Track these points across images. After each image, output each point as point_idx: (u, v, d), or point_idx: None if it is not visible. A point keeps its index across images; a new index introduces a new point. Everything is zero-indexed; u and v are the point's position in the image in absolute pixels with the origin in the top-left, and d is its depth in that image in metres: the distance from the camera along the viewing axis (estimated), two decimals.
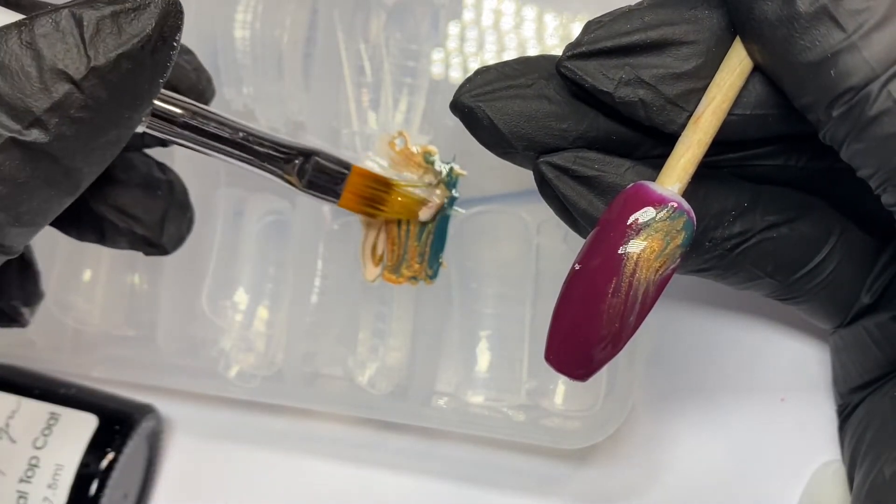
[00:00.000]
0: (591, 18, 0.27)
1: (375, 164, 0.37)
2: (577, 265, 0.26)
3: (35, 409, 0.38)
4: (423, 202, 0.35)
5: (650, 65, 0.26)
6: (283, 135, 0.32)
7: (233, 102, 0.39)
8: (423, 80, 0.38)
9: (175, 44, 0.24)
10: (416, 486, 0.39)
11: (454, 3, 0.37)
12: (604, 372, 0.37)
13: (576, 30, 0.37)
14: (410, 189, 0.35)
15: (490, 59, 0.37)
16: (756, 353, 0.38)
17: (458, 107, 0.28)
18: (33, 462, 0.36)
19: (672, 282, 0.26)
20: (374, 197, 0.34)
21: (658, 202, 0.25)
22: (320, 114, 0.38)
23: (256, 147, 0.30)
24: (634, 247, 0.25)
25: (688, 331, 0.38)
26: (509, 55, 0.37)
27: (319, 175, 0.32)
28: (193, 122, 0.29)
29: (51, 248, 0.40)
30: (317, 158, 0.32)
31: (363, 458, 0.40)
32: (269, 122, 0.39)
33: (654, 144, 0.28)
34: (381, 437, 0.40)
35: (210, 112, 0.29)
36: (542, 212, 0.33)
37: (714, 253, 0.29)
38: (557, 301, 0.27)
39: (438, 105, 0.37)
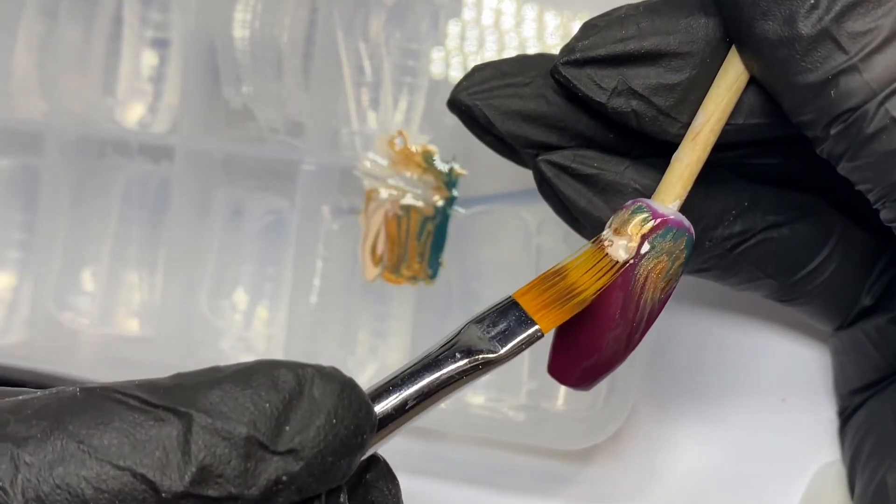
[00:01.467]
0: (590, 18, 0.27)
1: (375, 163, 0.37)
2: None
3: None
4: (602, 256, 0.26)
5: (643, 75, 0.26)
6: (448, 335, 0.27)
7: (232, 102, 0.39)
8: (423, 80, 0.38)
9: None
10: (416, 486, 0.39)
11: (454, 2, 0.37)
12: None
13: (576, 29, 0.36)
14: (576, 258, 0.27)
15: (490, 58, 0.37)
16: (757, 353, 0.38)
17: (455, 105, 0.27)
18: None
19: (664, 306, 0.26)
20: (560, 293, 0.26)
21: (662, 223, 0.25)
22: (320, 113, 0.38)
23: (448, 368, 0.25)
24: (641, 270, 0.25)
25: (689, 331, 0.38)
26: (509, 54, 0.37)
27: (499, 331, 0.26)
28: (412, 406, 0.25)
29: (50, 248, 0.40)
30: (475, 324, 0.26)
31: None
32: (269, 122, 0.39)
33: (651, 145, 0.27)
34: None
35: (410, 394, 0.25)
36: (542, 212, 0.33)
37: (714, 252, 0.29)
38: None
39: (438, 104, 0.37)
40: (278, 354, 0.39)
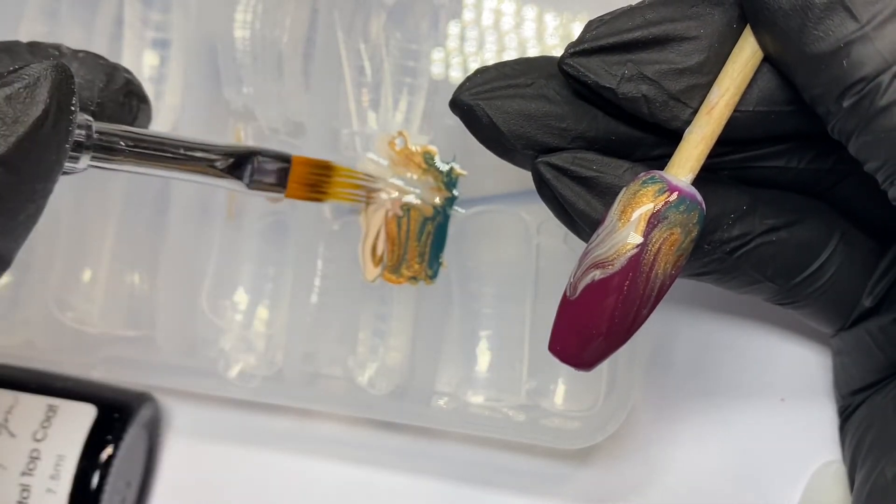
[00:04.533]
0: (591, 18, 0.27)
1: (375, 164, 0.37)
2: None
3: (33, 403, 0.38)
4: (366, 186, 0.35)
5: (653, 60, 0.26)
6: (225, 142, 0.32)
7: (232, 102, 0.39)
8: (423, 80, 0.38)
9: (73, 108, 0.24)
10: (416, 486, 0.39)
11: (454, 3, 0.37)
12: (604, 372, 0.37)
13: (576, 30, 0.37)
14: (353, 172, 0.35)
15: (490, 58, 0.37)
16: (756, 353, 0.38)
17: (457, 105, 0.28)
18: (34, 455, 0.36)
19: (673, 283, 0.26)
20: (317, 183, 0.34)
21: (677, 194, 0.25)
22: (320, 114, 0.38)
23: (197, 156, 0.30)
24: (654, 241, 0.25)
25: (688, 331, 0.38)
26: (509, 55, 0.37)
27: (262, 172, 0.32)
28: (134, 149, 0.28)
29: (51, 248, 0.40)
30: (257, 157, 0.32)
31: (363, 458, 0.40)
32: (269, 123, 0.39)
33: (652, 145, 0.27)
34: (381, 437, 0.40)
35: (147, 135, 0.29)
36: (542, 212, 0.33)
37: (713, 256, 0.29)
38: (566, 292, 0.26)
39: (438, 105, 0.37)
40: (279, 354, 0.39)
